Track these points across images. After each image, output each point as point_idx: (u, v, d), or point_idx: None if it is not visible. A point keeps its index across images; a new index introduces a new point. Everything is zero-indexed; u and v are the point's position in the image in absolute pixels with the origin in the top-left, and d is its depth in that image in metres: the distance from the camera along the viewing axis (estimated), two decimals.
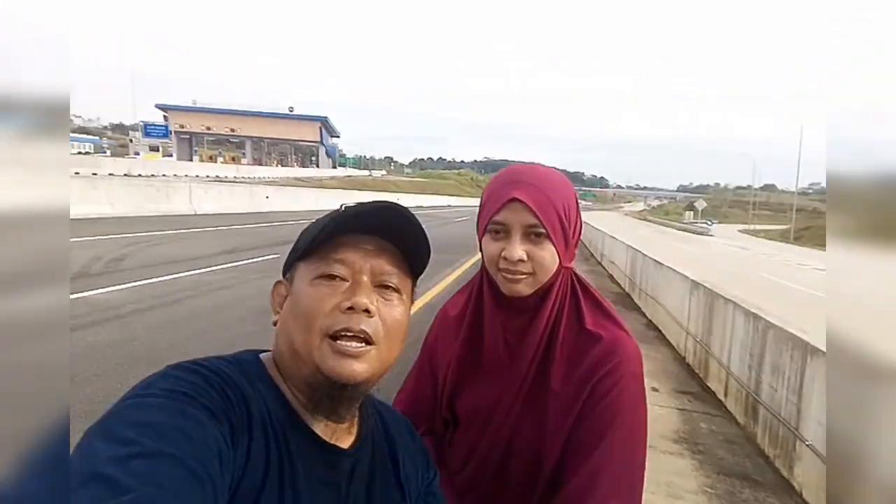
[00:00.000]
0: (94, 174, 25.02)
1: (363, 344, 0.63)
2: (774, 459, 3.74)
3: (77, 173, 22.41)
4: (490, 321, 0.97)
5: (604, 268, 13.75)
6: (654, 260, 8.11)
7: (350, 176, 71.02)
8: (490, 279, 0.95)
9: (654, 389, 4.87)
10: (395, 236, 0.68)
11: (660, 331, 7.17)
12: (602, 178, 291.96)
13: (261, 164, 66.90)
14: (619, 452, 0.85)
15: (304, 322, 0.62)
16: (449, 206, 57.56)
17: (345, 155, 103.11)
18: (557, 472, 0.89)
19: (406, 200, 44.58)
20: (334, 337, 0.62)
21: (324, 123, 75.50)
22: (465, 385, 0.98)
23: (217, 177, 36.37)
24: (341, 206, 0.67)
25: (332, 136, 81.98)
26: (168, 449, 0.47)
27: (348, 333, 0.62)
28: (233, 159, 68.50)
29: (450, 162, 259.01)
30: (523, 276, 0.89)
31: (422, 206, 43.79)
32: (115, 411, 0.50)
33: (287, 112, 74.30)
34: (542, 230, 0.88)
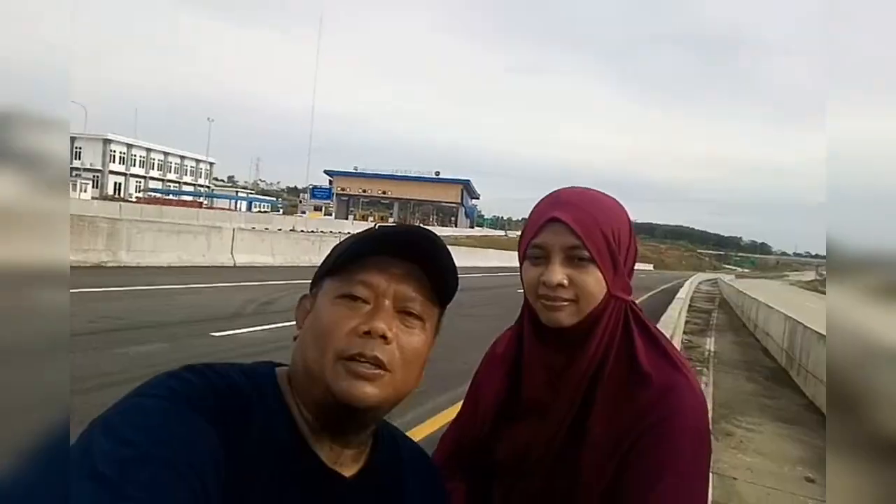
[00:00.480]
0: (266, 229, 28.87)
1: (377, 368, 0.60)
2: None
3: (253, 228, 26.04)
4: (530, 357, 0.88)
5: (757, 340, 12.18)
6: (819, 333, 7.02)
7: (486, 235, 73.10)
8: (531, 311, 0.87)
9: (810, 480, 4.10)
10: (424, 263, 0.65)
11: (823, 415, 6.10)
12: (763, 243, 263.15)
13: (405, 223, 71.84)
14: None
15: (320, 342, 0.61)
16: None
17: (483, 215, 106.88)
18: None
19: None
20: (348, 359, 0.60)
21: (465, 186, 79.67)
22: (505, 428, 0.90)
23: None
24: (375, 225, 0.66)
25: (472, 198, 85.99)
26: (166, 455, 0.48)
27: (361, 358, 0.60)
28: (381, 218, 74.83)
29: None
30: (564, 304, 0.80)
31: None
32: (121, 408, 0.51)
33: (433, 176, 79.97)
34: (586, 253, 0.79)
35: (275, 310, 8.45)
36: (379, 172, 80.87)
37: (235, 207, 61.36)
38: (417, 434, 4.09)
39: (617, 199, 0.88)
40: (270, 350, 6.03)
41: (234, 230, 15.11)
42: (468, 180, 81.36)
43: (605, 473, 0.78)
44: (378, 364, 0.60)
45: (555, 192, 0.88)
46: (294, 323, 0.70)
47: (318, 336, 0.62)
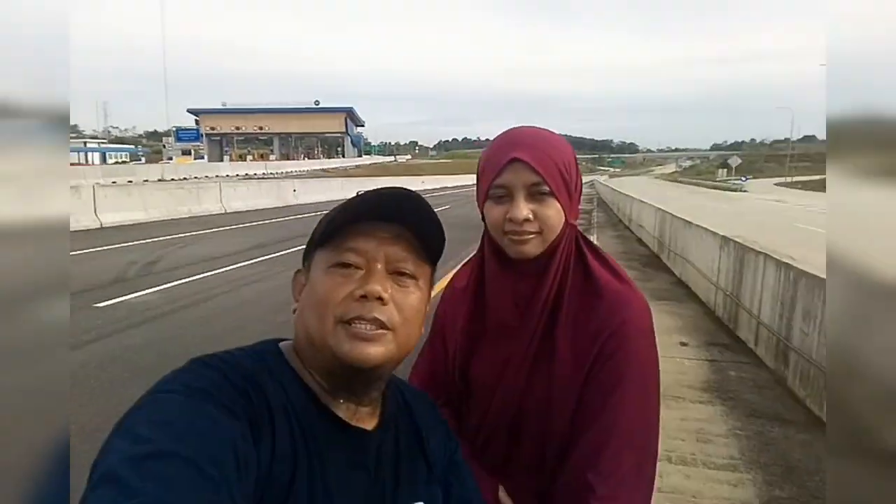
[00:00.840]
0: (130, 181, 25.91)
1: (378, 328, 0.63)
2: (805, 399, 3.69)
3: (114, 182, 23.23)
4: (495, 286, 0.95)
5: (632, 232, 13.54)
6: (684, 220, 7.98)
7: (376, 163, 71.57)
8: (494, 245, 0.93)
9: (683, 344, 4.83)
10: (410, 223, 0.67)
11: (689, 288, 7.09)
12: (631, 143, 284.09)
13: (288, 159, 67.95)
14: (631, 407, 0.85)
15: (318, 310, 0.63)
16: (473, 184, 57.13)
17: (370, 143, 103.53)
18: (568, 430, 0.89)
19: (432, 182, 44.58)
20: (348, 323, 0.62)
21: (349, 114, 76.03)
22: (475, 352, 0.98)
23: (246, 175, 37.18)
24: (357, 193, 0.67)
25: (357, 126, 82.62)
26: (182, 450, 0.47)
27: (360, 321, 0.62)
28: (261, 156, 69.90)
29: (474, 141, 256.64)
30: (531, 236, 0.87)
31: (446, 187, 43.67)
32: (137, 408, 0.51)
33: (312, 106, 75.08)
34: (546, 188, 0.86)
35: (163, 268, 7.83)
36: (252, 107, 74.19)
37: (87, 161, 54.08)
38: None
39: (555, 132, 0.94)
40: (166, 312, 5.67)
41: (93, 187, 13.37)
42: (351, 108, 77.49)
43: (577, 378, 0.88)
44: (379, 325, 0.62)
45: (506, 133, 0.93)
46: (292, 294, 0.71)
47: (315, 305, 0.63)
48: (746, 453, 3.02)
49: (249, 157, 66.84)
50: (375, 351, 0.62)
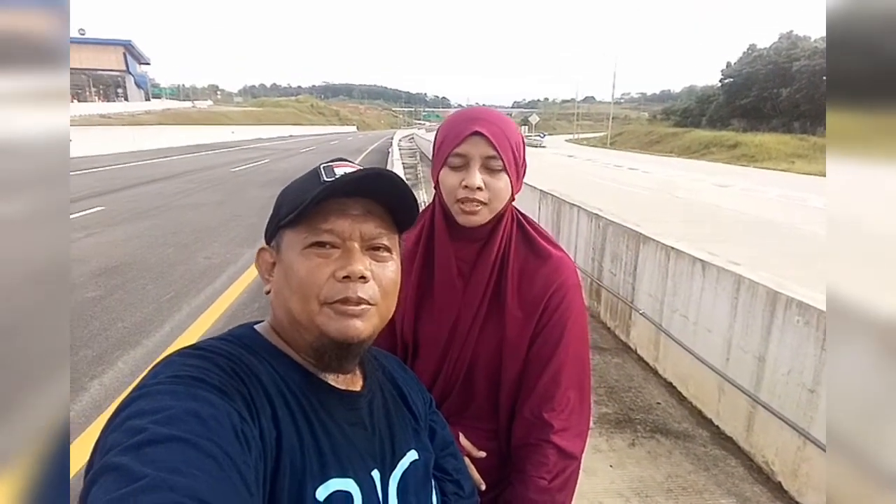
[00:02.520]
0: None
1: (363, 305, 0.65)
2: (615, 329, 4.48)
3: None
4: (442, 251, 1.03)
5: None
6: None
7: (169, 109, 62.44)
8: (444, 211, 1.01)
9: None
10: (381, 197, 0.68)
11: None
12: (444, 97, 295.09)
13: None
14: (573, 353, 1.01)
15: (301, 292, 0.64)
16: (291, 136, 54.19)
17: (159, 85, 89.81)
18: (518, 376, 1.02)
19: (243, 133, 40.93)
20: (334, 304, 0.63)
21: (128, 48, 64.09)
22: (423, 312, 1.05)
23: None
24: (319, 166, 0.67)
25: (140, 64, 70.23)
26: (180, 433, 0.47)
27: (347, 302, 0.64)
28: None
29: (285, 88, 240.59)
30: (479, 207, 0.96)
31: (261, 139, 40.64)
32: (126, 404, 0.50)
33: (78, 36, 61.50)
34: (500, 163, 0.95)
35: None
36: None
37: None
38: (196, 334, 3.76)
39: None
40: None
41: None
42: (130, 41, 65.46)
43: (527, 332, 1.01)
44: (363, 302, 0.65)
45: (467, 110, 1.01)
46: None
47: (298, 287, 0.64)
48: None
49: None
50: (363, 326, 0.65)
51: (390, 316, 0.71)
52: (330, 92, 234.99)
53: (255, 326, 0.70)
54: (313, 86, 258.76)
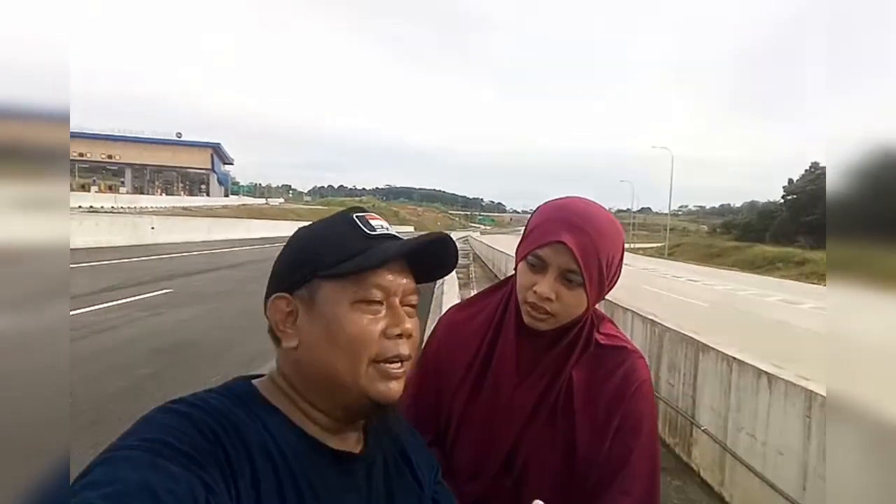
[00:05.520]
0: None
1: (403, 365, 0.64)
2: (674, 447, 4.11)
3: None
4: (505, 340, 0.97)
5: None
6: None
7: (245, 204, 67.74)
8: (517, 303, 0.95)
9: None
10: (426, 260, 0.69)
11: None
12: (499, 203, 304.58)
13: (143, 193, 61.74)
14: (644, 468, 0.90)
15: (350, 349, 0.61)
16: None
17: (238, 183, 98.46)
18: (587, 480, 0.92)
19: None
20: (384, 362, 0.62)
21: (215, 150, 71.59)
22: (475, 396, 0.99)
23: (91, 207, 32.99)
24: (351, 215, 0.67)
25: (224, 163, 77.86)
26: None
27: (397, 360, 0.63)
28: (109, 188, 62.56)
29: (350, 189, 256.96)
30: (546, 316, 0.90)
31: None
32: (88, 468, 0.48)
33: (174, 138, 69.56)
34: (580, 278, 0.87)
35: None
36: (100, 133, 66.75)
37: None
38: None
39: (615, 219, 0.95)
40: None
41: None
42: (218, 143, 73.20)
43: (601, 439, 0.91)
44: (406, 359, 0.64)
45: (563, 204, 0.93)
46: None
47: (347, 344, 0.61)
48: None
49: (94, 188, 59.46)
50: (398, 387, 0.64)
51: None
52: (392, 194, 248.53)
53: (254, 381, 0.66)
54: (376, 188, 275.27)
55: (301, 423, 0.63)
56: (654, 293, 13.17)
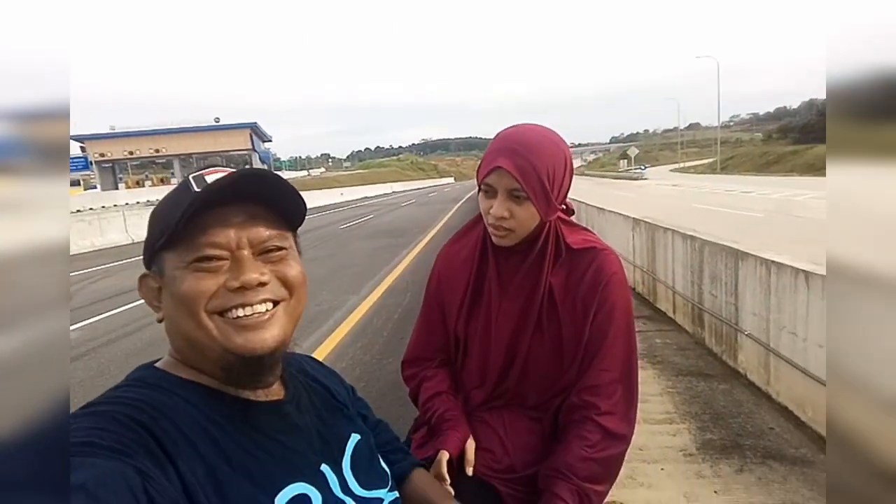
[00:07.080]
0: None
1: (267, 305, 0.62)
2: (721, 354, 4.18)
3: None
4: (488, 261, 1.13)
5: None
6: (597, 207, 8.57)
7: (288, 179, 69.11)
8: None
9: None
10: (262, 199, 0.64)
11: None
12: None
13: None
14: (619, 347, 1.06)
15: (189, 309, 0.60)
16: (393, 192, 57.19)
17: (279, 158, 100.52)
18: (574, 371, 1.07)
19: (350, 194, 44.07)
20: (227, 313, 0.60)
21: (253, 130, 72.96)
22: (473, 314, 1.14)
23: (148, 201, 34.74)
24: (189, 176, 0.62)
25: (263, 141, 79.35)
26: None
27: (243, 309, 0.61)
28: (162, 181, 65.43)
29: (388, 149, 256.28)
30: (505, 232, 1.04)
31: (367, 197, 43.37)
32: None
33: (213, 124, 71.29)
34: (524, 193, 0.99)
35: (77, 304, 7.25)
36: (145, 129, 69.30)
37: None
38: None
39: (557, 133, 1.05)
40: (94, 348, 5.29)
41: None
42: (255, 123, 74.27)
43: (583, 328, 1.06)
44: (268, 302, 0.63)
45: (503, 135, 1.05)
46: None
47: (186, 306, 0.60)
48: (679, 407, 3.38)
49: (148, 183, 62.34)
50: (270, 335, 0.62)
51: (301, 311, 0.68)
52: (428, 148, 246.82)
53: (156, 364, 0.66)
54: (413, 144, 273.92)
55: (219, 388, 0.63)
56: (704, 210, 12.77)
